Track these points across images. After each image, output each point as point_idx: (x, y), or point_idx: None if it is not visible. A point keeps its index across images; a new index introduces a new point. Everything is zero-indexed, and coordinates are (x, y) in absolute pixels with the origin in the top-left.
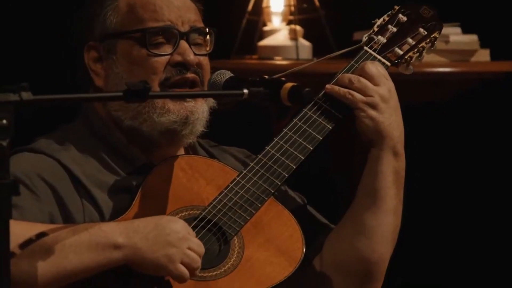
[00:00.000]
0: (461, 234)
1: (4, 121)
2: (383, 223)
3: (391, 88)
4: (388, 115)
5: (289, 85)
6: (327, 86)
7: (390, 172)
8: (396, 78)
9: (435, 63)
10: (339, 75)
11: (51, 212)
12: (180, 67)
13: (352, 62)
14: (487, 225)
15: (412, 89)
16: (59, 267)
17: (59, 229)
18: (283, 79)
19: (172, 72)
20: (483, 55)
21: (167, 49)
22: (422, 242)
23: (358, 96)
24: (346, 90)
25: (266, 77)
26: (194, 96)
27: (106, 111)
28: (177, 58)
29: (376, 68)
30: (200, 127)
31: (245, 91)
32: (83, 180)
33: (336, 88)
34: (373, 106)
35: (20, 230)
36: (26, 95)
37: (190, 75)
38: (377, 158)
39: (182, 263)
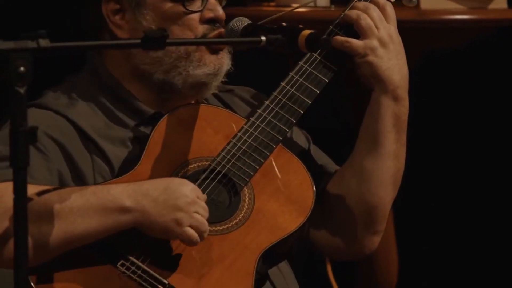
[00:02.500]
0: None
1: (22, 68)
2: (382, 166)
3: (391, 33)
4: (386, 59)
5: (306, 32)
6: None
7: (390, 116)
8: (412, 26)
9: (453, 10)
10: (340, 18)
11: (60, 171)
12: (211, 23)
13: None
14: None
15: (429, 36)
16: (67, 232)
17: (67, 193)
18: (301, 26)
19: (205, 28)
20: (501, 3)
21: (198, 4)
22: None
23: (355, 43)
24: (343, 39)
25: (284, 24)
26: (213, 43)
27: (130, 64)
28: (209, 14)
29: (376, 11)
30: (222, 78)
31: (263, 38)
32: (92, 134)
33: (334, 39)
34: (371, 51)
35: (28, 194)
36: (44, 42)
37: (221, 29)
38: (377, 102)
39: (190, 226)
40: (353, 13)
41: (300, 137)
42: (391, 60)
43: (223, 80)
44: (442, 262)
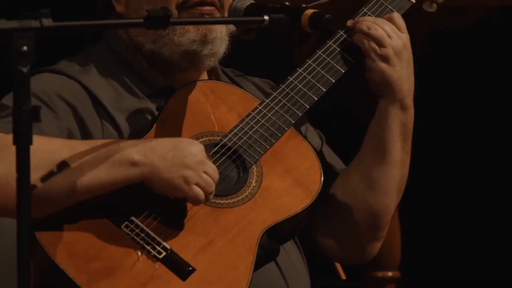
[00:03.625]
0: None
1: (25, 48)
2: (388, 175)
3: (406, 41)
4: (399, 68)
5: (310, 11)
6: (349, 22)
7: (397, 125)
8: (416, 5)
9: None
10: (360, 18)
11: (69, 129)
12: None
13: None
14: None
15: (433, 15)
16: (75, 182)
17: (76, 144)
18: (304, 5)
19: None
20: None
21: None
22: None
23: (372, 45)
24: (362, 35)
25: (287, 3)
26: (216, 23)
27: (128, 36)
28: None
29: (386, 23)
30: (220, 47)
31: (266, 17)
32: (104, 101)
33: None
34: (385, 58)
35: (37, 144)
36: (47, 22)
37: None
38: (385, 111)
39: (197, 185)
40: (364, 24)
41: (314, 135)
42: (402, 69)
43: (226, 53)
44: (446, 243)
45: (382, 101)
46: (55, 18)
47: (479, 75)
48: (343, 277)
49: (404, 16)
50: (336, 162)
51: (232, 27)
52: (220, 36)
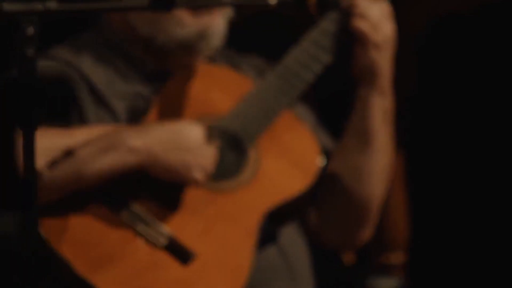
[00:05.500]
0: None
1: (29, 31)
2: (375, 163)
3: (394, 28)
4: (385, 55)
5: None
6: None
7: (379, 112)
8: None
9: None
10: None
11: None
12: None
13: None
14: None
15: (435, 1)
16: (71, 171)
17: (72, 131)
18: None
19: None
20: None
21: None
22: None
23: (369, 29)
24: (360, 19)
25: None
26: (221, 5)
27: (123, 20)
28: None
29: (378, 9)
30: (216, 41)
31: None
32: (98, 86)
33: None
34: (376, 46)
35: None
36: (51, 5)
37: None
38: (366, 99)
39: (196, 169)
40: (361, 7)
41: (308, 114)
42: (388, 56)
43: (222, 45)
44: (455, 225)
45: (363, 88)
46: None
47: (485, 64)
48: (348, 262)
49: (405, 3)
50: (327, 142)
51: (229, 12)
52: (218, 30)
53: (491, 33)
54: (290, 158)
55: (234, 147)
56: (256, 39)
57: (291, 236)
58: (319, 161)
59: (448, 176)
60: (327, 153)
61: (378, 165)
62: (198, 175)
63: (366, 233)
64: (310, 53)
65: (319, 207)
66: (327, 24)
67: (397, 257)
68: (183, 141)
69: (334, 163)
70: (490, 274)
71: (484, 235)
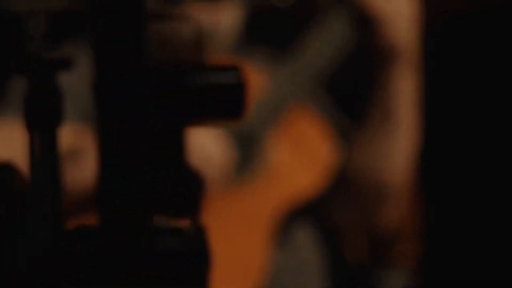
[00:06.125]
0: None
1: (34, 28)
2: (395, 141)
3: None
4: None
5: None
6: None
7: (403, 91)
8: None
9: None
10: None
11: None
12: None
13: None
14: None
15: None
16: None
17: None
18: None
19: None
20: None
21: None
22: None
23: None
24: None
25: None
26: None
27: None
28: None
29: None
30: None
31: None
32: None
33: None
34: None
35: None
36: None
37: None
38: (388, 79)
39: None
40: None
41: (323, 102)
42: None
43: None
44: (469, 218)
45: (385, 69)
46: None
47: (493, 66)
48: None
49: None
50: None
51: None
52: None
53: (498, 34)
54: (304, 151)
55: (245, 141)
56: (261, 34)
57: (304, 236)
58: (335, 153)
59: (459, 169)
60: (345, 141)
61: (400, 144)
62: (209, 170)
63: (390, 214)
64: (324, 42)
65: (340, 201)
66: (339, 11)
67: (406, 249)
68: None
69: (353, 141)
70: (500, 270)
71: (498, 228)
